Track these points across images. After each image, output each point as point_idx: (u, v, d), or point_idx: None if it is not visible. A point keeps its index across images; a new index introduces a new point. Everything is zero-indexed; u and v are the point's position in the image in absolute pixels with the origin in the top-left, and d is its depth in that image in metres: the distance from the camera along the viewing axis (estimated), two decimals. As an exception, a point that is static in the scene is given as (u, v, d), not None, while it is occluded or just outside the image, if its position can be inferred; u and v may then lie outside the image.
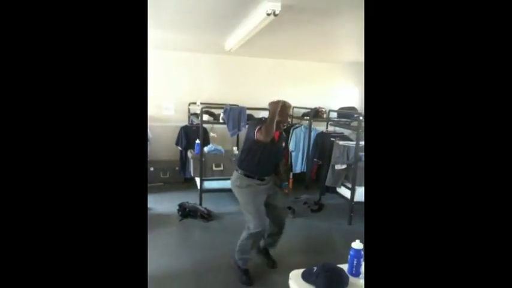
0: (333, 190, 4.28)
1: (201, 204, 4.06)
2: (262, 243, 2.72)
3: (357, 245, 1.59)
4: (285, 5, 2.54)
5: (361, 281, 1.53)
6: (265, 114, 4.43)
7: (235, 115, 4.12)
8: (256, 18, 2.86)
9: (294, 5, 2.60)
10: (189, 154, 4.61)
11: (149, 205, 4.01)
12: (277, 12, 2.56)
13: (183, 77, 5.41)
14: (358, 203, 3.69)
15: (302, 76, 5.95)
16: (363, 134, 3.56)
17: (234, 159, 4.32)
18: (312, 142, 4.86)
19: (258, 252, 2.73)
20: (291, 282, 1.56)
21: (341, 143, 4.02)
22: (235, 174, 2.50)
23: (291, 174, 5.14)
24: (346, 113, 5.08)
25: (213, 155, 4.33)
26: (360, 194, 3.69)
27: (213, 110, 4.65)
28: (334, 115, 5.13)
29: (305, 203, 4.42)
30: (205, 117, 4.31)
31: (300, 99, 5.71)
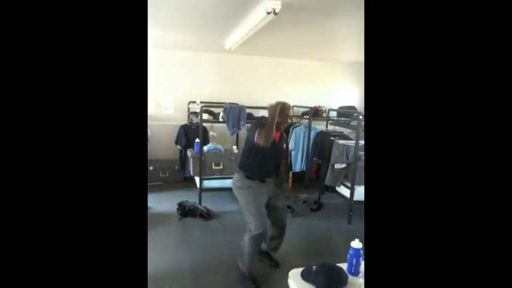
0: (332, 189, 4.29)
1: (200, 203, 4.07)
2: (264, 246, 2.69)
3: (356, 244, 1.59)
4: (285, 3, 2.54)
5: (360, 280, 1.53)
6: (264, 113, 4.45)
7: (235, 114, 4.12)
8: (256, 17, 2.86)
9: (294, 4, 2.60)
10: (189, 153, 4.61)
11: (148, 204, 4.01)
12: (277, 11, 2.56)
13: (182, 75, 5.40)
14: (358, 202, 3.70)
15: (302, 75, 5.95)
16: (362, 133, 3.56)
17: (233, 158, 4.33)
18: (311, 141, 4.86)
19: (259, 254, 2.71)
20: (290, 281, 1.57)
21: (340, 142, 4.02)
22: (236, 175, 2.50)
23: (291, 173, 5.15)
24: (345, 112, 5.09)
25: (212, 154, 4.33)
26: (359, 193, 3.69)
27: (213, 109, 4.64)
28: (333, 114, 5.13)
29: (304, 202, 4.42)
30: (205, 116, 4.31)
31: (300, 98, 5.72)
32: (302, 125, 5.29)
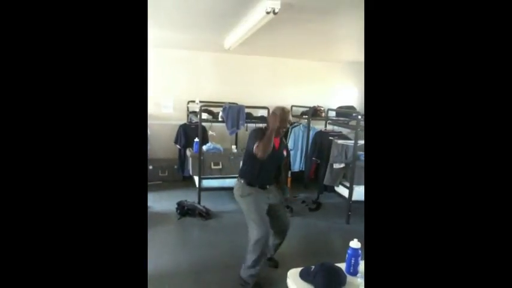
0: (331, 189, 4.29)
1: (199, 202, 4.07)
2: (270, 253, 2.67)
3: (355, 244, 1.60)
4: (284, 3, 2.54)
5: (358, 280, 1.53)
6: (264, 112, 4.46)
7: (234, 113, 4.12)
8: (256, 16, 2.86)
9: (293, 3, 2.60)
10: (188, 152, 4.61)
11: (148, 203, 4.00)
12: (276, 11, 2.56)
13: (181, 75, 5.40)
14: (356, 202, 3.71)
15: (301, 75, 5.96)
16: (361, 133, 3.56)
17: (232, 157, 4.33)
18: (310, 141, 4.86)
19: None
20: (289, 281, 1.57)
21: (339, 142, 4.03)
22: (237, 183, 2.51)
23: (290, 173, 5.15)
24: (344, 112, 5.09)
25: (211, 153, 4.33)
26: (358, 193, 3.70)
27: (212, 109, 4.64)
28: (332, 114, 5.13)
29: (303, 201, 4.43)
30: (204, 115, 4.31)
31: (299, 97, 5.73)
32: (301, 125, 5.30)
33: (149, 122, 4.72)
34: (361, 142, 3.67)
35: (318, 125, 5.15)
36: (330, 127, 4.73)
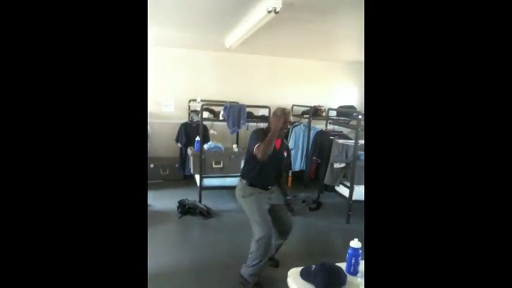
0: (331, 189, 4.29)
1: (200, 201, 4.08)
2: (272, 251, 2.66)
3: (355, 243, 1.60)
4: (285, 2, 2.54)
5: (359, 279, 1.53)
6: (264, 111, 4.46)
7: (235, 113, 4.12)
8: (257, 15, 2.86)
9: (294, 3, 2.60)
10: (189, 151, 4.61)
11: (148, 202, 4.01)
12: (277, 10, 2.56)
13: (182, 73, 5.40)
14: (357, 201, 3.71)
15: (302, 74, 5.95)
16: (361, 133, 3.56)
17: (233, 156, 4.33)
18: (311, 140, 4.86)
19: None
20: (290, 280, 1.57)
21: (340, 141, 4.03)
22: (239, 184, 2.52)
23: (290, 172, 5.15)
24: (345, 112, 5.08)
25: (212, 152, 4.33)
26: (358, 192, 3.70)
27: (213, 107, 4.65)
28: (333, 113, 5.13)
29: (303, 201, 4.43)
30: (205, 114, 4.32)
31: (300, 97, 5.73)
32: (302, 124, 5.29)
33: (150, 120, 4.73)
34: (362, 142, 3.66)
35: (319, 125, 5.14)
36: (330, 127, 4.73)
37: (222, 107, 4.24)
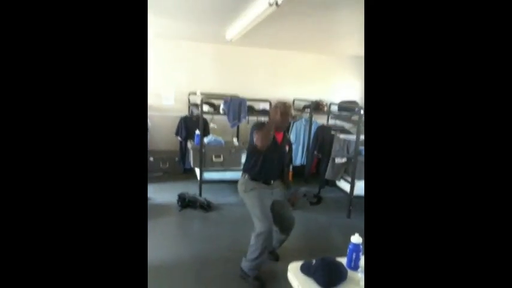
0: (332, 183, 4.30)
1: (200, 195, 4.08)
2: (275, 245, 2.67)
3: (356, 238, 1.59)
4: (287, -5, 2.51)
5: (359, 274, 1.53)
6: (265, 105, 4.44)
7: (236, 106, 4.11)
8: (258, 8, 2.83)
9: (296, -5, 2.57)
10: (189, 145, 4.60)
11: (148, 195, 4.02)
12: (279, 3, 2.53)
13: (182, 66, 5.35)
14: (358, 196, 3.71)
15: (303, 68, 5.91)
16: (363, 128, 3.55)
17: (233, 150, 4.32)
18: (312, 135, 4.85)
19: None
20: (290, 275, 1.57)
21: (341, 136, 4.02)
22: (241, 178, 2.51)
23: (291, 167, 5.15)
24: (346, 107, 5.06)
25: (213, 146, 4.33)
26: (359, 187, 3.70)
27: (213, 101, 4.62)
28: (334, 108, 5.11)
29: (304, 195, 4.44)
30: (206, 108, 4.30)
31: (301, 91, 5.70)
32: (303, 119, 5.28)
33: (150, 113, 4.71)
34: (363, 137, 3.65)
35: (320, 120, 5.13)
36: (332, 121, 4.72)
37: (222, 101, 4.21)
